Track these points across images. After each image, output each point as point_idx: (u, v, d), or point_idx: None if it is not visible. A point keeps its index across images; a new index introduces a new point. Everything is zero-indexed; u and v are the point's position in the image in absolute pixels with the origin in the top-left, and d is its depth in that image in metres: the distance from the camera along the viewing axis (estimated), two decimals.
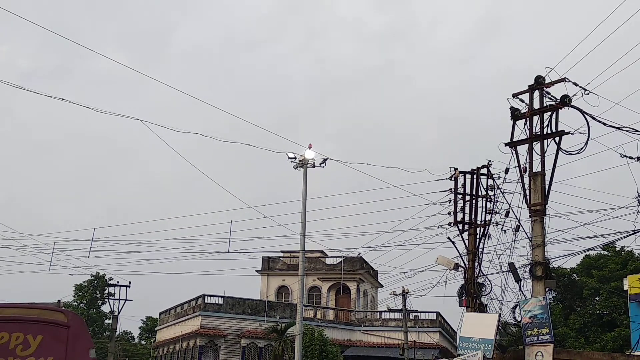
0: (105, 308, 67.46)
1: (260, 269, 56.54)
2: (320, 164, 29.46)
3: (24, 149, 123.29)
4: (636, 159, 19.45)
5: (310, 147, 29.46)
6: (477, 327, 18.14)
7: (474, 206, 22.05)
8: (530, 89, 17.40)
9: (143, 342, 77.31)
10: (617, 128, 17.19)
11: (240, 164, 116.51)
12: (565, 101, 16.73)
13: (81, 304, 72.69)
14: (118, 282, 45.39)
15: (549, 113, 17.06)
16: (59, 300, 10.60)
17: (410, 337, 40.99)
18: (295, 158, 29.30)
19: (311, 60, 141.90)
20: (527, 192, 17.16)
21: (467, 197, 22.16)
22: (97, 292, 72.16)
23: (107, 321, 71.04)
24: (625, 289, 35.17)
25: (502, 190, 21.14)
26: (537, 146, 17.19)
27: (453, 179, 22.40)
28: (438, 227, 22.83)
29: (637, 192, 19.47)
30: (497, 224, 21.24)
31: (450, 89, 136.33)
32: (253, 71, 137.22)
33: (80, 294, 73.28)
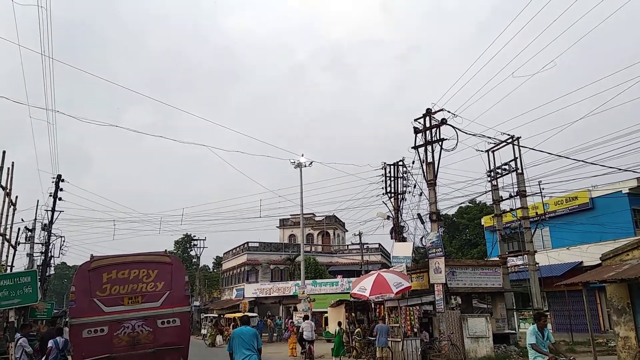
0: (192, 253, 67.20)
1: (278, 225, 56.39)
2: (309, 164, 29.49)
3: (147, 169, 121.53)
4: (484, 151, 19.68)
5: (302, 155, 29.52)
6: (402, 250, 18.28)
7: (396, 183, 22.18)
8: (424, 115, 17.45)
9: (215, 270, 76.88)
10: (473, 134, 17.34)
11: (264, 169, 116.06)
12: (443, 122, 16.86)
13: (178, 252, 71.77)
14: (198, 238, 45.26)
15: (435, 128, 17.17)
16: (165, 250, 10.54)
17: (364, 259, 41.11)
18: (294, 162, 29.30)
19: (301, 107, 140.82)
20: (425, 173, 17.30)
21: (392, 178, 22.29)
22: (187, 244, 71.43)
23: (194, 260, 70.65)
24: (482, 224, 35.48)
25: (411, 173, 21.31)
26: (429, 147, 17.33)
27: (383, 168, 22.50)
28: (377, 196, 23.01)
29: (486, 169, 19.71)
30: (409, 192, 21.40)
31: (379, 120, 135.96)
32: (269, 115, 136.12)
33: (177, 246, 72.48)
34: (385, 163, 22.45)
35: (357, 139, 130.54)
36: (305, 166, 29.48)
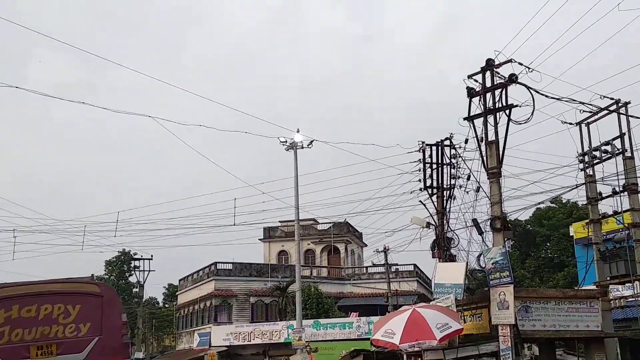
0: (132, 279, 67.38)
1: (262, 237, 56.59)
2: (308, 145, 29.46)
3: (61, 149, 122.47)
4: (575, 124, 19.61)
5: (298, 131, 29.45)
6: (448, 275, 18.26)
7: (440, 173, 22.14)
8: (483, 70, 17.36)
9: (166, 305, 77.39)
10: (557, 99, 17.29)
11: (241, 153, 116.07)
12: (512, 79, 16.76)
13: (111, 277, 72.50)
14: (142, 256, 45.47)
15: (499, 90, 17.09)
16: (92, 275, 10.59)
17: (392, 287, 41.28)
18: (286, 142, 29.26)
19: (297, 64, 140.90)
20: (485, 158, 17.23)
21: (434, 166, 22.24)
22: (125, 265, 71.89)
23: (134, 290, 71.05)
24: (571, 234, 35.58)
25: (463, 157, 21.23)
26: (491, 118, 17.24)
27: (421, 151, 22.44)
28: (411, 192, 22.94)
29: (577, 152, 19.65)
30: (460, 186, 21.36)
31: (416, 78, 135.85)
32: (250, 75, 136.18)
33: (110, 268, 73.15)
34: (423, 143, 22.40)
35: (381, 108, 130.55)
36: (303, 147, 29.53)
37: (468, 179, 20.47)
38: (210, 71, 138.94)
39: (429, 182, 22.15)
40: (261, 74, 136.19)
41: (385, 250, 38.59)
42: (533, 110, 16.27)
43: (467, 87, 17.56)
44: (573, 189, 19.15)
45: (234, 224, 25.64)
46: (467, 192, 20.53)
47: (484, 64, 17.32)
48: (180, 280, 58.24)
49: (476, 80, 17.50)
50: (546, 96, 16.74)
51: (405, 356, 17.15)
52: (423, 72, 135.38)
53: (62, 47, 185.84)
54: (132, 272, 56.01)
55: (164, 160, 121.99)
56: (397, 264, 46.07)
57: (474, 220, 18.25)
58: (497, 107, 17.07)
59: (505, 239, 16.79)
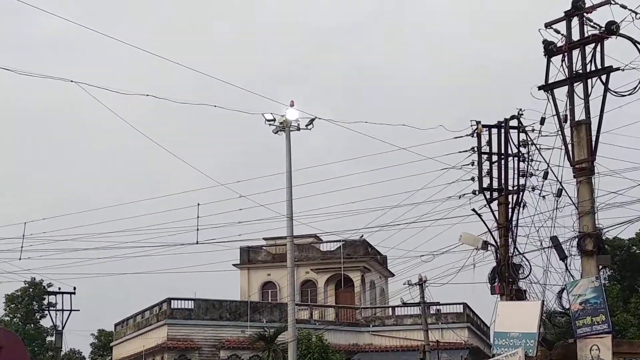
0: (46, 322, 67.18)
1: (238, 262, 56.64)
2: (307, 125, 29.39)
3: None
4: None
5: (292, 104, 29.31)
6: (516, 319, 18.30)
7: (503, 168, 22.11)
8: (567, 16, 17.40)
9: None
10: None
11: (209, 135, 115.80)
12: (611, 29, 16.76)
13: (15, 319, 72.51)
14: (60, 288, 45.43)
15: (592, 45, 17.10)
16: None
17: (432, 337, 41.27)
18: (274, 120, 29.18)
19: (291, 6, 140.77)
20: (570, 146, 17.26)
21: (495, 157, 22.20)
22: (34, 302, 71.95)
23: (49, 338, 70.99)
24: None
25: (537, 146, 21.19)
26: (578, 88, 17.29)
27: (476, 135, 22.37)
28: (460, 197, 22.88)
29: None
30: (533, 188, 21.30)
31: (464, 29, 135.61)
32: (226, 21, 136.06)
33: (12, 305, 72.93)
34: (478, 124, 22.38)
35: (416, 73, 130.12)
36: (299, 129, 29.49)
37: (545, 177, 20.41)
38: (161, 13, 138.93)
39: (486, 182, 22.15)
40: (240, 19, 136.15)
41: (422, 283, 38.57)
42: None
43: (544, 41, 17.62)
44: None
45: (197, 242, 25.60)
46: (544, 196, 20.52)
47: (569, 9, 17.36)
48: (116, 325, 58.45)
49: (558, 31, 17.55)
50: None
51: None
52: (480, 18, 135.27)
53: None
54: (46, 312, 56.25)
55: (93, 147, 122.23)
56: (438, 303, 46.12)
57: (554, 239, 18.26)
58: (588, 70, 17.11)
59: (600, 266, 16.83)
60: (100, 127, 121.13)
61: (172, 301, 47.56)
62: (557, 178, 19.11)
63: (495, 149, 22.14)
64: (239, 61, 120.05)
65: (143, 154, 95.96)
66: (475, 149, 22.31)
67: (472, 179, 22.35)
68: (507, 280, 21.05)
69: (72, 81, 18.77)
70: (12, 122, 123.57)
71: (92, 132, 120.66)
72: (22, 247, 25.55)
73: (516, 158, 21.97)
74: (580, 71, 17.17)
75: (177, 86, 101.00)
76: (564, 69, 17.40)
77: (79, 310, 44.92)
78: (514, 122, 21.88)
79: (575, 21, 17.31)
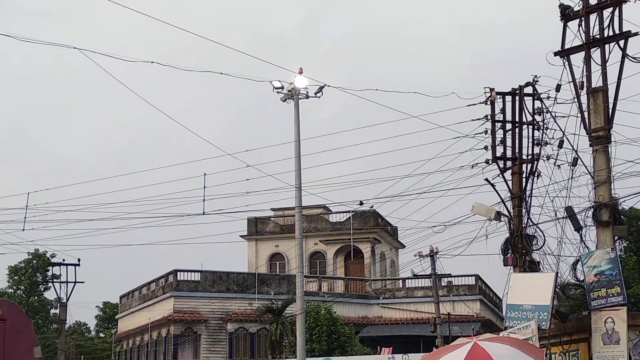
0: (50, 294, 67.32)
1: (246, 233, 56.80)
2: (316, 93, 29.36)
3: None
4: None
5: (301, 72, 29.26)
6: (529, 292, 18.28)
7: (517, 137, 22.05)
8: None
9: (102, 334, 78.00)
10: None
11: (215, 103, 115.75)
12: None
13: (18, 291, 72.93)
14: (64, 259, 45.48)
15: (610, 9, 16.98)
16: None
17: (443, 309, 41.32)
18: (282, 88, 29.16)
19: None
20: (586, 114, 17.18)
21: (509, 126, 22.13)
22: (38, 274, 72.29)
23: (53, 311, 71.40)
24: None
25: (553, 113, 21.10)
26: (596, 54, 17.19)
27: (489, 102, 22.28)
28: (472, 167, 22.84)
29: None
30: (548, 157, 21.22)
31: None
32: None
33: (16, 277, 73.25)
34: (492, 91, 22.29)
35: (428, 36, 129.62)
36: (308, 97, 29.47)
37: (560, 146, 20.32)
38: None
39: (500, 151, 22.09)
40: None
41: (433, 254, 38.58)
42: None
43: (561, 4, 17.51)
44: None
45: (203, 213, 25.61)
46: (559, 166, 20.43)
47: None
48: (122, 298, 58.76)
49: None
50: None
51: None
52: None
53: None
54: (50, 284, 56.53)
55: (97, 116, 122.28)
56: (450, 275, 46.13)
57: (569, 209, 18.22)
58: (606, 35, 17.01)
59: (616, 237, 16.79)
60: (102, 95, 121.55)
61: (179, 273, 47.69)
62: (572, 147, 19.03)
63: (509, 117, 22.09)
64: (246, 30, 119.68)
65: (147, 122, 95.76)
66: (489, 117, 22.27)
67: (485, 147, 22.30)
68: (520, 251, 21.04)
69: (75, 48, 18.70)
70: (17, 91, 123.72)
71: (93, 100, 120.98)
72: (25, 217, 25.58)
73: (531, 126, 21.89)
74: (598, 36, 17.08)
75: (184, 54, 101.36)
76: (580, 34, 17.30)
77: (83, 282, 45.03)
78: (528, 89, 21.80)
79: None
